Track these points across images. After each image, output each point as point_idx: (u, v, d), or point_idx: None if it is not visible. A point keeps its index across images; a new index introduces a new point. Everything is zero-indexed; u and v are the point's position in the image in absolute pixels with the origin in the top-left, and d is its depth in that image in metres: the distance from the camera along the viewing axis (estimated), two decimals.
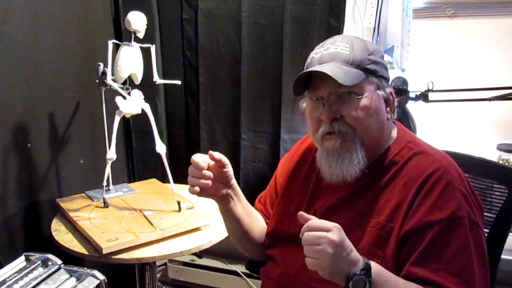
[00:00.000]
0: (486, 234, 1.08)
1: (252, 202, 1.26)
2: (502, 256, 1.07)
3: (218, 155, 0.98)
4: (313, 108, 0.97)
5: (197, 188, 0.97)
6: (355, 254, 0.81)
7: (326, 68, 0.91)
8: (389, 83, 1.00)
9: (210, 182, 0.98)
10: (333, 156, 0.95)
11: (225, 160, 1.00)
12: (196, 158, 0.97)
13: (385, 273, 0.84)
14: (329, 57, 0.94)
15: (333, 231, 0.79)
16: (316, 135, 0.97)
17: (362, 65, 0.93)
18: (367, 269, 0.80)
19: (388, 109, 0.97)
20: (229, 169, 1.02)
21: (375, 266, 0.83)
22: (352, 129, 0.93)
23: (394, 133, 1.01)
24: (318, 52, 0.96)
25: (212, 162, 0.99)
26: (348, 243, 0.81)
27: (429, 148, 0.98)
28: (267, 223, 1.17)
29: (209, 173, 0.97)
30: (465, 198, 0.89)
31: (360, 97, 0.92)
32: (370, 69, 0.94)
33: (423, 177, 0.90)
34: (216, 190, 1.02)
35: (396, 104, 1.00)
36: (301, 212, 0.83)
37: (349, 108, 0.92)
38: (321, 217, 1.01)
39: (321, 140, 0.96)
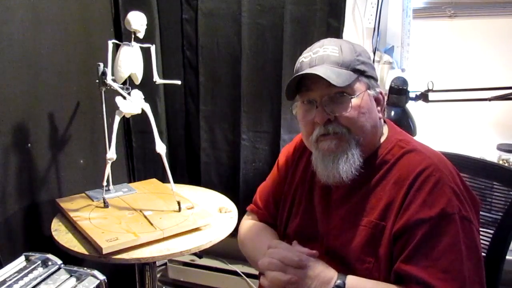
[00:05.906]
0: (490, 235, 1.09)
1: (251, 202, 1.27)
2: (507, 257, 1.07)
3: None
4: (306, 111, 0.97)
5: None
6: (326, 274, 0.88)
7: (319, 70, 0.91)
8: (378, 83, 1.01)
9: None
10: (329, 157, 0.95)
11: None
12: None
13: (362, 282, 0.88)
14: (319, 60, 0.95)
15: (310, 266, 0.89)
16: (310, 138, 0.98)
17: (352, 66, 0.94)
18: (340, 286, 0.87)
19: (379, 108, 0.98)
20: None
21: (351, 279, 0.88)
22: (347, 129, 0.94)
23: (385, 132, 1.02)
24: (307, 56, 0.97)
25: None
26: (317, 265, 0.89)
27: (420, 146, 0.98)
28: (272, 224, 1.17)
29: None
30: (456, 195, 0.88)
31: (352, 97, 0.93)
32: (360, 70, 0.95)
33: (413, 175, 0.91)
34: None
35: (385, 105, 1.02)
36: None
37: (342, 108, 0.93)
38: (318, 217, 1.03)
39: (316, 142, 0.97)
